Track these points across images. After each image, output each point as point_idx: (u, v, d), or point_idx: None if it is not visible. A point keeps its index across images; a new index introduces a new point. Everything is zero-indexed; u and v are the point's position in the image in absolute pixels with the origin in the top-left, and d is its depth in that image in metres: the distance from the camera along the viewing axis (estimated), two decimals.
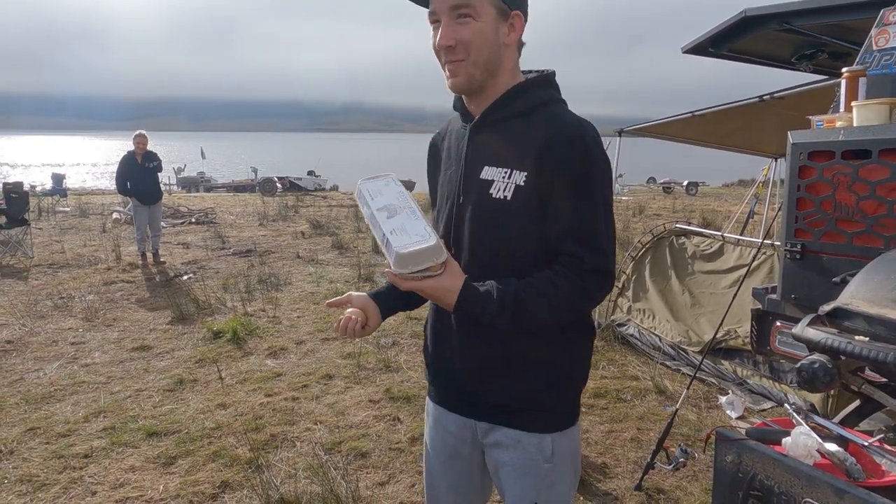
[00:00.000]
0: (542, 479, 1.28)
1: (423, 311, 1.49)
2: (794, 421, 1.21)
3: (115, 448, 3.25)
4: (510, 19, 1.21)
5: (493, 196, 1.21)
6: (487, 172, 1.24)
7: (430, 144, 1.48)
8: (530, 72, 1.31)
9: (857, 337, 1.11)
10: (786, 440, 1.12)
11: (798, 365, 1.14)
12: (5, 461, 3.11)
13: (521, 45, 1.27)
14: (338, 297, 1.37)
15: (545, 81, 1.27)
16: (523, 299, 1.16)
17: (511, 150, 1.22)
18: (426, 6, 1.23)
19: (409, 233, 1.13)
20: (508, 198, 1.20)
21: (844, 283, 1.27)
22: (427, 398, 1.52)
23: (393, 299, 1.40)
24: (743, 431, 1.17)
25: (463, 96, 1.30)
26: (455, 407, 1.38)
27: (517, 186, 1.19)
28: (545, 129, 1.19)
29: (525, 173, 1.19)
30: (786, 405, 1.27)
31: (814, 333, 1.16)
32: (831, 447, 1.10)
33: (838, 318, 1.18)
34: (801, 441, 1.09)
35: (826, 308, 1.19)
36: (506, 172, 1.21)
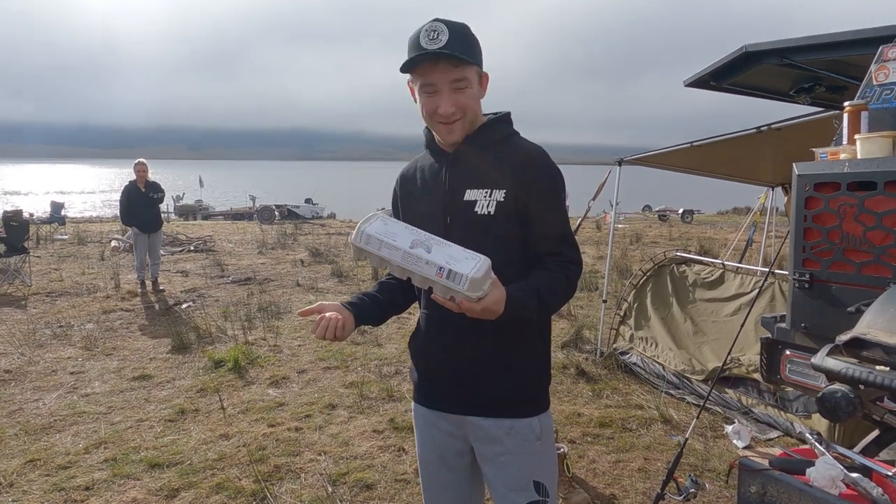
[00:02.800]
0: (536, 456, 1.49)
1: None
2: (816, 451, 1.22)
3: (117, 480, 3.20)
4: (481, 79, 1.47)
5: (478, 213, 1.44)
6: (470, 194, 1.46)
7: (400, 177, 1.67)
8: (486, 115, 1.56)
9: (878, 367, 1.13)
10: (810, 470, 1.13)
11: (820, 395, 1.15)
12: (5, 494, 3.06)
13: None
14: (309, 307, 1.45)
15: (506, 119, 1.55)
16: (543, 293, 1.37)
17: (489, 174, 1.45)
18: (411, 72, 1.42)
19: (459, 258, 1.19)
20: (492, 213, 1.43)
21: (859, 312, 1.29)
22: (415, 406, 1.65)
23: (364, 311, 1.52)
24: (767, 462, 1.18)
25: (436, 136, 1.52)
26: (449, 407, 1.54)
27: (498, 203, 1.42)
28: (516, 155, 1.46)
29: (504, 191, 1.42)
30: (807, 435, 1.28)
31: (834, 363, 1.17)
32: (856, 477, 1.11)
33: (856, 347, 1.20)
34: (826, 471, 1.10)
35: (844, 338, 1.21)
36: (487, 192, 1.44)
